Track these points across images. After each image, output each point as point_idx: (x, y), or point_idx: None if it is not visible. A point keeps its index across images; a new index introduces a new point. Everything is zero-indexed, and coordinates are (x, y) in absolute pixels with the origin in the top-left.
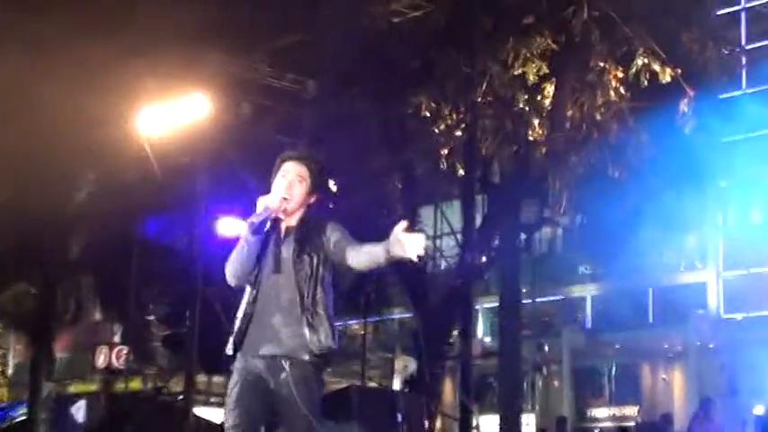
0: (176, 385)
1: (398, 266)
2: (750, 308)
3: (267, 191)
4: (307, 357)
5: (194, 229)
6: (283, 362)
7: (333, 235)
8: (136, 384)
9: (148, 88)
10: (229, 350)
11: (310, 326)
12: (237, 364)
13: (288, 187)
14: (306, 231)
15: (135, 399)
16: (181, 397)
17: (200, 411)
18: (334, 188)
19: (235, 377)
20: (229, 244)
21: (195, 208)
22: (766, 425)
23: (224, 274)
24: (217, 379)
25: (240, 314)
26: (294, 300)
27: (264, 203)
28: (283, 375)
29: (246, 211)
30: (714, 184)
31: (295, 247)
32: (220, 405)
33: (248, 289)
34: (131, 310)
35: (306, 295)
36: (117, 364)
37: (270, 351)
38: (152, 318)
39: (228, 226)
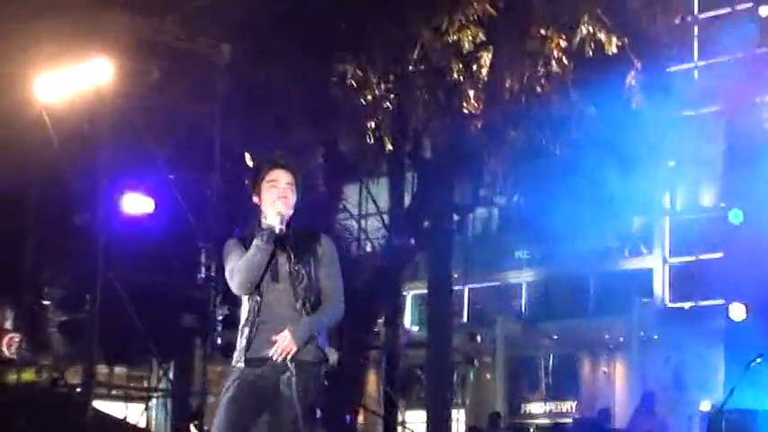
0: (74, 376)
1: None
2: (698, 297)
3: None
4: (310, 359)
5: (97, 204)
6: (288, 363)
7: (325, 255)
8: (29, 375)
9: (48, 52)
10: (239, 363)
11: (312, 335)
12: (236, 374)
13: (284, 196)
14: (298, 239)
15: (27, 391)
16: (79, 389)
17: (100, 405)
18: (249, 163)
19: (233, 380)
20: (135, 223)
21: (98, 181)
22: (713, 421)
23: (129, 255)
24: (119, 370)
25: (245, 326)
26: (295, 308)
27: (277, 211)
28: (287, 375)
29: (156, 186)
30: (662, 163)
31: (291, 255)
32: (122, 398)
33: (247, 299)
34: (25, 292)
35: (305, 304)
36: (8, 353)
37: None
38: (48, 302)
39: (135, 202)
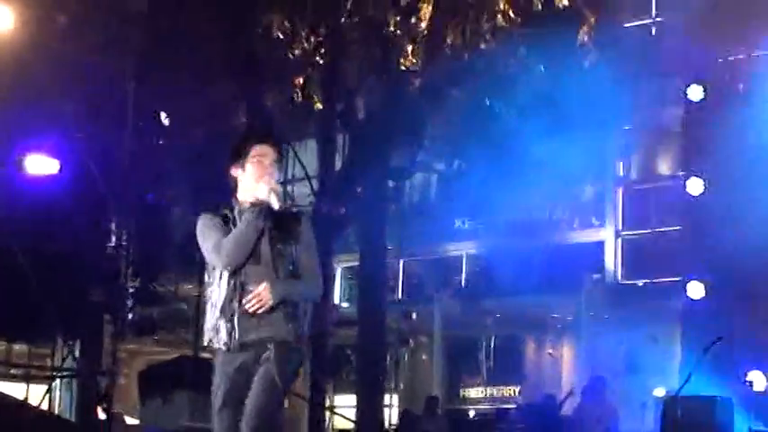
0: None
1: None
2: (653, 273)
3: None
4: (289, 339)
5: None
6: (268, 344)
7: (306, 237)
8: None
9: None
10: (221, 346)
11: (291, 317)
12: (221, 358)
13: (270, 173)
14: (279, 219)
15: None
16: None
17: None
18: (165, 121)
19: (219, 373)
20: (38, 186)
21: None
22: (668, 408)
23: (31, 221)
24: (19, 347)
25: (224, 307)
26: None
27: (270, 188)
28: (266, 354)
29: (61, 145)
30: (616, 127)
31: (272, 236)
32: (23, 378)
33: (220, 279)
34: None
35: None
36: None
37: (256, 336)
38: None
39: (37, 164)
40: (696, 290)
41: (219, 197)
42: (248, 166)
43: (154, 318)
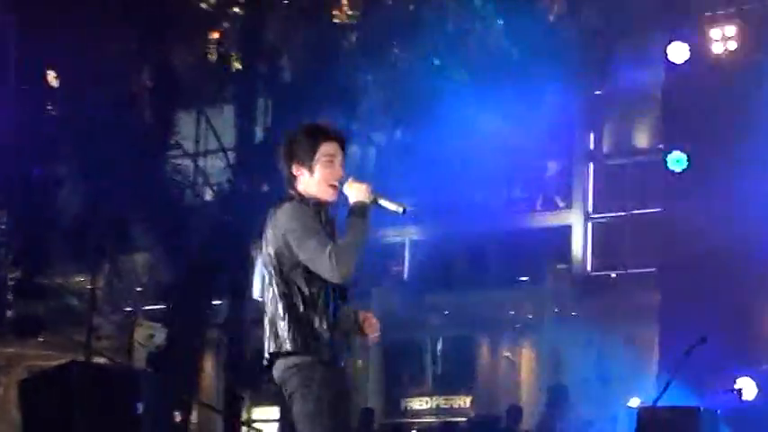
0: None
1: (144, 194)
2: (628, 263)
3: None
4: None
5: None
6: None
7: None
8: None
9: None
10: (323, 361)
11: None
12: (325, 375)
13: (341, 176)
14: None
15: None
16: None
17: None
18: (54, 83)
19: (328, 392)
20: None
21: None
22: (643, 421)
23: None
24: None
25: (320, 314)
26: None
27: (358, 197)
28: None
29: None
30: (586, 93)
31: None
32: None
33: (319, 285)
34: None
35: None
36: None
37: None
38: None
39: None
40: (676, 283)
41: (118, 175)
42: (318, 165)
43: (38, 315)
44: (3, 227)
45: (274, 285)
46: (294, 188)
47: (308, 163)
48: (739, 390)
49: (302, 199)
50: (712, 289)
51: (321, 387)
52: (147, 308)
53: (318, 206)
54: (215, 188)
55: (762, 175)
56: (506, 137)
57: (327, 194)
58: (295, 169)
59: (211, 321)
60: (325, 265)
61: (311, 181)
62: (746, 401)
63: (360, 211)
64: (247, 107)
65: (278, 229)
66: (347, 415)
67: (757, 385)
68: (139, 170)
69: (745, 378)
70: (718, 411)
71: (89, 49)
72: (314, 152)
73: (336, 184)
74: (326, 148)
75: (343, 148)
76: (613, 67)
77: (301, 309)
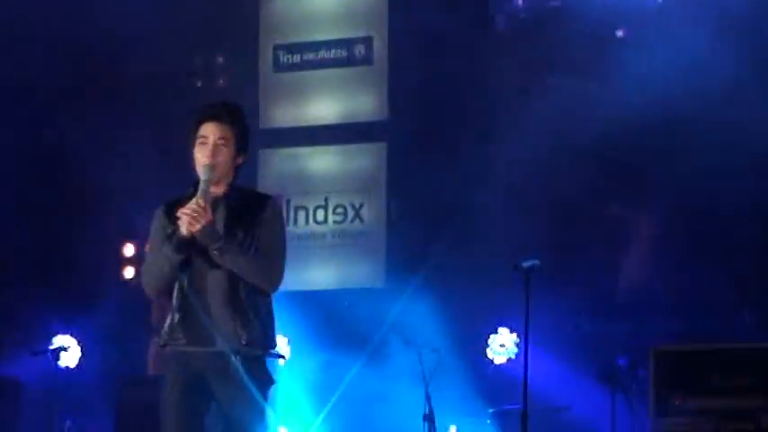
0: None
1: None
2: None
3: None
4: (252, 351)
5: None
6: (232, 356)
7: (268, 220)
8: None
9: None
10: (162, 345)
11: (243, 319)
12: (170, 366)
13: (211, 155)
14: (239, 201)
15: None
16: None
17: None
18: None
19: (169, 382)
20: None
21: None
22: None
23: None
24: None
25: (173, 306)
26: (227, 287)
27: (204, 179)
28: (231, 371)
29: None
30: None
31: (226, 221)
32: None
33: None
34: None
35: (237, 282)
36: None
37: (213, 347)
38: None
39: None
40: None
41: None
42: (195, 151)
43: None
44: None
45: None
46: (195, 181)
47: (191, 145)
48: None
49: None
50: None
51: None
52: None
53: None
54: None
55: None
56: None
57: (203, 174)
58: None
59: None
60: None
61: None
62: None
63: (171, 238)
64: None
65: None
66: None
67: None
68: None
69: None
70: None
71: None
72: (193, 138)
73: (206, 162)
74: (201, 130)
75: (230, 126)
76: None
77: None
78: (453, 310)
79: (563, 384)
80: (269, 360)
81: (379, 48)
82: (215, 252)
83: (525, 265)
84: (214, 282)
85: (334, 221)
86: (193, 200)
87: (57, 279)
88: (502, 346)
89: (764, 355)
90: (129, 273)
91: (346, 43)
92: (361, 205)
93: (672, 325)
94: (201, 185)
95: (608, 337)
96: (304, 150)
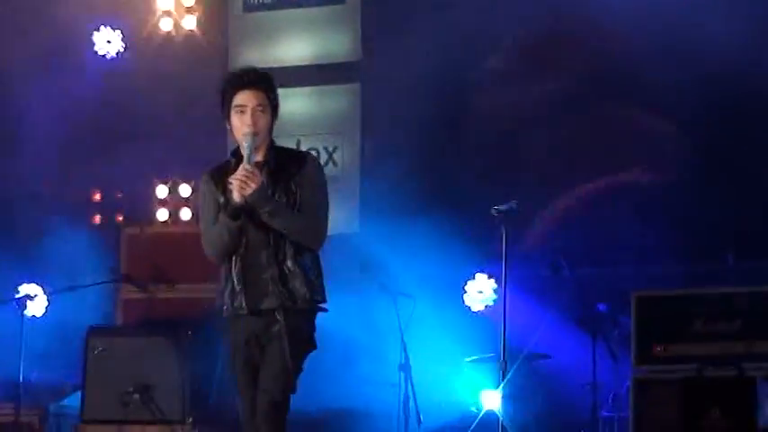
0: None
1: None
2: None
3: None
4: (299, 305)
5: None
6: (277, 314)
7: (308, 179)
8: None
9: None
10: (224, 312)
11: (290, 276)
12: (229, 327)
13: (252, 123)
14: (278, 163)
15: None
16: None
17: None
18: None
19: (232, 345)
20: None
21: None
22: None
23: None
24: None
25: (229, 272)
26: (273, 247)
27: (246, 150)
28: (276, 327)
29: None
30: None
31: (269, 184)
32: None
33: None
34: None
35: (283, 241)
36: None
37: (263, 305)
38: None
39: None
40: None
41: None
42: (231, 118)
43: None
44: None
45: None
46: (236, 148)
47: (226, 115)
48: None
49: (226, 165)
50: None
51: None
52: None
53: (238, 160)
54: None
55: None
56: None
57: (245, 145)
58: (227, 124)
59: None
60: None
61: (234, 133)
62: None
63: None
64: None
65: None
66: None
67: None
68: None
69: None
70: None
71: None
72: (227, 107)
73: (248, 131)
74: (236, 98)
75: (265, 92)
76: None
77: None
78: (430, 256)
79: (543, 331)
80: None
81: None
82: (265, 214)
83: (502, 208)
84: (261, 243)
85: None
86: (241, 166)
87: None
88: (480, 292)
89: (748, 300)
90: (96, 219)
91: None
92: (335, 148)
93: (654, 269)
94: (246, 151)
95: (588, 282)
96: None
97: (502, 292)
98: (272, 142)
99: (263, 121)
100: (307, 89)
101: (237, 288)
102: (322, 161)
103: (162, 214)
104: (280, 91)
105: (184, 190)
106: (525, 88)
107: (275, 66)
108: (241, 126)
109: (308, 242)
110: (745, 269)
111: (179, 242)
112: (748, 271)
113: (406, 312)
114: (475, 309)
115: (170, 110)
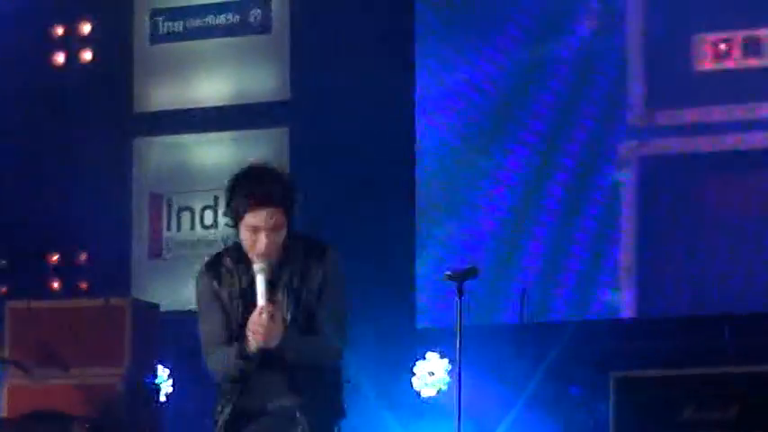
0: None
1: None
2: None
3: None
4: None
5: None
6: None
7: (326, 276)
8: None
9: None
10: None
11: (304, 393)
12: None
13: (266, 247)
14: (296, 260)
15: None
16: None
17: None
18: None
19: None
20: None
21: None
22: None
23: None
24: None
25: (232, 397)
26: (286, 367)
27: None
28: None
29: None
30: None
31: (286, 283)
32: None
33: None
34: None
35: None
36: None
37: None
38: None
39: None
40: None
41: None
42: (242, 233)
43: None
44: None
45: None
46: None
47: (232, 220)
48: None
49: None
50: None
51: None
52: None
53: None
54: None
55: None
56: None
57: (256, 263)
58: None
59: None
60: (204, 356)
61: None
62: None
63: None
64: None
65: None
66: None
67: None
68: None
69: None
70: None
71: None
72: (237, 217)
73: (260, 260)
74: (249, 217)
75: (285, 208)
76: None
77: None
78: (370, 332)
79: (506, 416)
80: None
81: (279, 12)
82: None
83: (456, 271)
84: (272, 364)
85: (227, 225)
86: (258, 312)
87: None
88: (431, 374)
89: (746, 383)
90: None
91: (239, 6)
92: None
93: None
94: (260, 286)
95: (559, 359)
96: (188, 138)
97: (456, 373)
98: (285, 242)
99: (279, 238)
100: (226, 134)
101: (241, 412)
102: None
103: (54, 286)
104: (194, 136)
105: (81, 258)
106: None
107: (188, 107)
108: (251, 247)
109: (329, 360)
110: (743, 346)
111: (74, 319)
112: (747, 348)
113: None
114: (425, 394)
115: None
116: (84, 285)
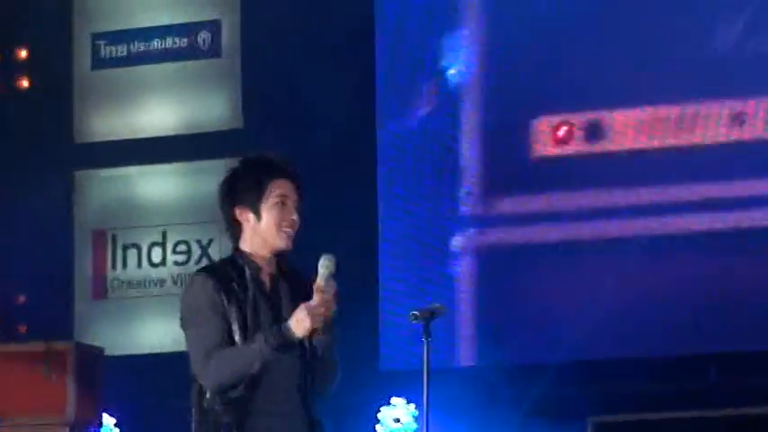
0: None
1: None
2: None
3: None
4: None
5: None
6: None
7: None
8: None
9: None
10: None
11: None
12: None
13: (292, 223)
14: (295, 278)
15: None
16: None
17: None
18: None
19: None
20: None
21: None
22: None
23: None
24: None
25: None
26: (294, 369)
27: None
28: None
29: None
30: None
31: (292, 304)
32: None
33: None
34: None
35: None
36: None
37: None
38: None
39: None
40: None
41: None
42: (266, 208)
43: None
44: None
45: None
46: (236, 238)
47: (253, 203)
48: None
49: (231, 260)
50: None
51: None
52: None
53: (257, 268)
54: None
55: None
56: None
57: (281, 240)
58: (239, 214)
59: None
60: (196, 365)
61: (259, 227)
62: None
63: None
64: None
65: None
66: None
67: None
68: None
69: None
70: None
71: None
72: (261, 191)
73: (290, 230)
74: (277, 187)
75: (298, 189)
76: None
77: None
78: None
79: None
80: None
81: (230, 35)
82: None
83: (422, 311)
84: (286, 377)
85: (176, 263)
86: (318, 288)
87: None
88: (396, 421)
89: (732, 427)
90: None
91: (186, 29)
92: (210, 241)
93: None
94: (324, 269)
95: (534, 405)
96: (133, 170)
97: (423, 420)
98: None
99: (298, 222)
100: (173, 166)
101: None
102: (194, 257)
103: None
104: (139, 168)
105: (18, 299)
106: None
107: (133, 136)
108: (281, 220)
109: (329, 381)
110: (730, 386)
111: (11, 365)
112: (734, 388)
113: None
114: None
115: None
116: (22, 329)
